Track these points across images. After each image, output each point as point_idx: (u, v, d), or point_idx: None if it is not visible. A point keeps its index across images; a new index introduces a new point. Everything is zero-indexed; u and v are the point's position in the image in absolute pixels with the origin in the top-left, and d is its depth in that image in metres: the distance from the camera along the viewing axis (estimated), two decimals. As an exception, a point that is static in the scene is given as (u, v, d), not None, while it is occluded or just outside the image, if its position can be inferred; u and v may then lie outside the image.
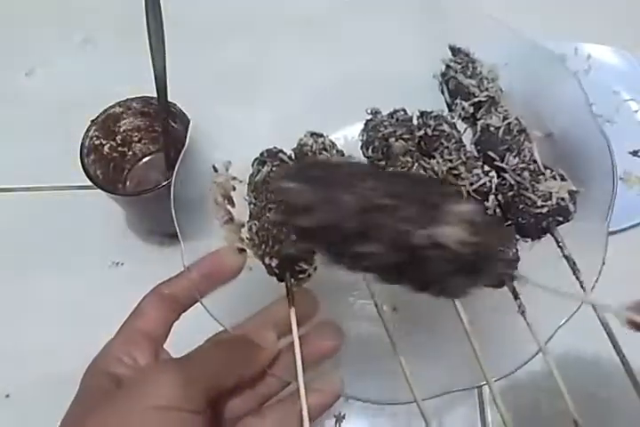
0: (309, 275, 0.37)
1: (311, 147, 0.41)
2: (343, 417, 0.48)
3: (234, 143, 0.42)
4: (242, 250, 0.37)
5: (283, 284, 0.37)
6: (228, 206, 0.41)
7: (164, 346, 0.36)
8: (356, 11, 0.49)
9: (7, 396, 0.51)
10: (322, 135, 0.43)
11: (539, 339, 0.34)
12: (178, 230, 0.37)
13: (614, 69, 0.62)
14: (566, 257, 0.36)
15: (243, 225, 0.40)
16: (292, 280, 0.36)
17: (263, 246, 0.37)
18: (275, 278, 0.37)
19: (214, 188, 0.42)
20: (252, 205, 0.39)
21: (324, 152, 0.41)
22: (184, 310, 0.36)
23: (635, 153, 0.58)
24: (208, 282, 0.36)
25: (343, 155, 0.42)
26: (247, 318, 0.36)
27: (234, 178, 0.43)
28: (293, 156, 0.42)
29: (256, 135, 0.41)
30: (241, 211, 0.42)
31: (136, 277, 0.55)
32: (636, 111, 0.61)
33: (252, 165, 0.41)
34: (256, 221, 0.38)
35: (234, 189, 0.42)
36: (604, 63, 0.62)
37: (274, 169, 0.39)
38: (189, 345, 0.35)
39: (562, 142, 0.42)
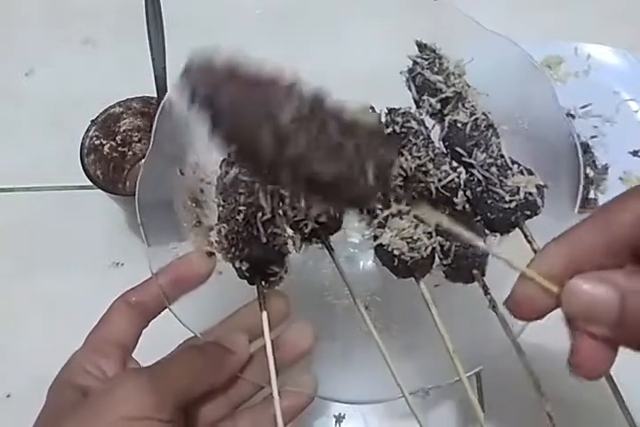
0: (281, 277, 0.37)
1: None
2: (343, 417, 0.48)
3: (202, 144, 0.41)
4: (211, 254, 0.36)
5: (254, 287, 0.37)
6: (197, 209, 0.41)
7: (133, 354, 0.35)
8: (328, 7, 0.49)
9: (7, 396, 0.51)
10: None
11: (511, 333, 0.34)
12: (144, 235, 0.37)
13: (614, 69, 0.62)
14: (535, 251, 0.36)
15: (211, 228, 0.39)
16: (264, 283, 0.36)
17: (233, 249, 0.36)
18: (245, 282, 0.37)
19: (181, 191, 0.41)
20: (220, 208, 0.39)
21: None
22: (153, 317, 0.36)
23: (635, 153, 0.58)
24: (177, 288, 0.35)
25: None
26: (218, 323, 0.36)
27: (201, 180, 0.42)
28: None
29: None
30: (210, 214, 0.41)
31: (136, 277, 0.55)
32: (636, 111, 0.61)
33: (220, 167, 0.41)
34: (225, 224, 0.37)
35: (201, 191, 0.42)
36: (603, 63, 0.62)
37: (242, 171, 0.38)
38: (158, 352, 0.35)
39: (530, 136, 0.42)
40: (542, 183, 0.37)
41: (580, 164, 0.39)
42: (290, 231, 0.38)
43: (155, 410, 0.29)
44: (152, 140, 0.40)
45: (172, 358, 0.33)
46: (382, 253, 0.37)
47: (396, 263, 0.36)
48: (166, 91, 0.51)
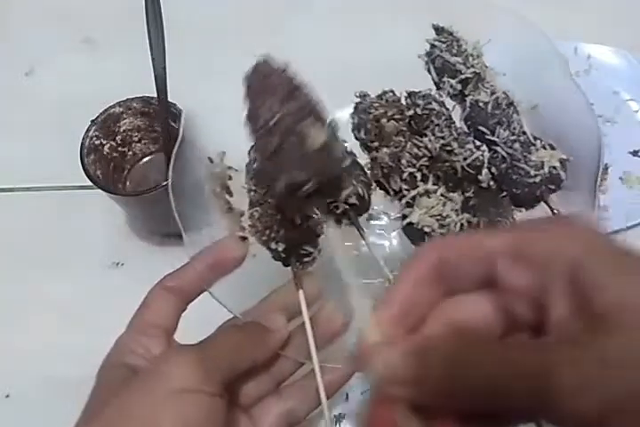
0: (314, 258, 0.37)
1: None
2: (343, 417, 0.48)
3: (227, 133, 0.42)
4: (244, 238, 0.37)
5: (288, 268, 0.37)
6: (227, 196, 0.42)
7: (175, 337, 0.36)
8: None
9: (7, 396, 0.51)
10: None
11: None
12: (179, 222, 0.38)
13: (614, 69, 0.62)
14: None
15: (242, 214, 0.40)
16: (298, 264, 0.37)
17: (267, 232, 0.37)
18: (279, 263, 0.38)
19: (211, 179, 0.42)
20: (251, 193, 0.40)
21: None
22: (191, 301, 0.37)
23: (635, 153, 0.58)
24: (213, 272, 0.36)
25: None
26: (255, 304, 0.37)
27: (229, 167, 0.43)
28: None
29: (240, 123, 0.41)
30: (239, 200, 0.42)
31: (136, 277, 0.55)
32: (636, 111, 0.61)
33: (249, 153, 0.41)
34: (258, 208, 0.38)
35: (230, 178, 0.42)
36: (603, 63, 0.62)
37: None
38: (199, 334, 0.35)
39: (547, 113, 0.42)
40: (565, 157, 0.38)
41: (601, 135, 0.39)
42: (319, 213, 0.39)
43: (203, 383, 0.30)
44: (180, 128, 0.41)
45: (215, 336, 0.34)
46: (412, 231, 0.38)
47: (427, 240, 0.37)
48: (166, 91, 0.51)
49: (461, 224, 0.38)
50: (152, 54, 0.50)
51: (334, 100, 0.47)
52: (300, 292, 0.36)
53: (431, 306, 0.24)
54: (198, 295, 0.37)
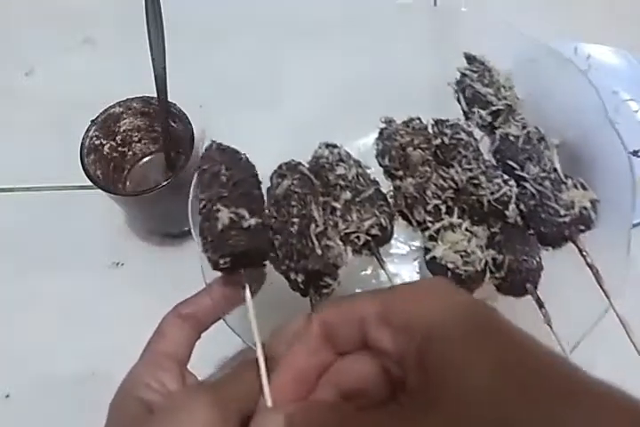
0: (333, 289, 0.36)
1: (327, 158, 0.41)
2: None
3: (229, 135, 0.41)
4: (263, 266, 0.36)
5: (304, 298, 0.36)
6: None
7: (188, 366, 0.35)
8: (368, 20, 0.49)
9: (7, 396, 0.51)
10: (336, 146, 0.42)
11: (565, 349, 0.34)
12: (199, 244, 0.37)
13: (614, 69, 0.62)
14: (590, 266, 0.36)
15: None
16: (316, 295, 0.36)
17: (287, 261, 0.36)
18: (296, 293, 0.37)
19: None
20: (272, 220, 0.38)
21: (340, 163, 0.40)
22: (205, 329, 0.36)
23: (635, 153, 0.58)
24: (228, 301, 0.36)
25: (360, 165, 0.41)
26: (270, 335, 0.35)
27: None
28: (308, 168, 0.41)
29: (260, 147, 0.41)
30: None
31: (136, 277, 0.55)
32: (636, 111, 0.61)
33: (271, 179, 0.41)
34: (278, 236, 0.37)
35: None
36: (603, 63, 0.62)
37: (294, 182, 0.38)
38: (210, 363, 0.35)
39: (577, 148, 0.42)
40: (597, 198, 0.37)
41: (634, 178, 0.39)
42: (340, 243, 0.38)
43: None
44: (204, 145, 0.41)
45: (231, 374, 0.33)
46: (435, 266, 0.37)
47: (449, 277, 0.36)
48: (166, 91, 0.51)
49: (486, 261, 0.37)
50: (152, 54, 0.50)
51: (357, 125, 0.47)
52: None
53: (326, 368, 0.26)
54: (213, 324, 0.36)
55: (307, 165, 0.41)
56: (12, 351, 0.53)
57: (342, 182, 0.39)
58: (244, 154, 0.39)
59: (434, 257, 0.37)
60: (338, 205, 0.38)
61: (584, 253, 0.36)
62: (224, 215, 0.34)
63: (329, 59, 0.49)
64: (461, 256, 0.36)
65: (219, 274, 0.36)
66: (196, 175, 0.38)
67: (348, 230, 0.38)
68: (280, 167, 0.40)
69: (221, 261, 0.34)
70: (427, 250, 0.38)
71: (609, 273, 0.35)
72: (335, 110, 0.48)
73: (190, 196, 0.40)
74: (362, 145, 0.47)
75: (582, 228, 0.37)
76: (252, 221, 0.34)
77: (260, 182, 0.38)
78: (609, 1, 0.68)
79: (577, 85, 0.42)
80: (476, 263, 0.36)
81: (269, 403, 0.28)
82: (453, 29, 0.46)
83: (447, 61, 0.43)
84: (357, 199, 0.39)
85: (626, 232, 0.38)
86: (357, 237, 0.38)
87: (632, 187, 0.39)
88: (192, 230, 0.38)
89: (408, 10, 0.48)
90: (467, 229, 0.38)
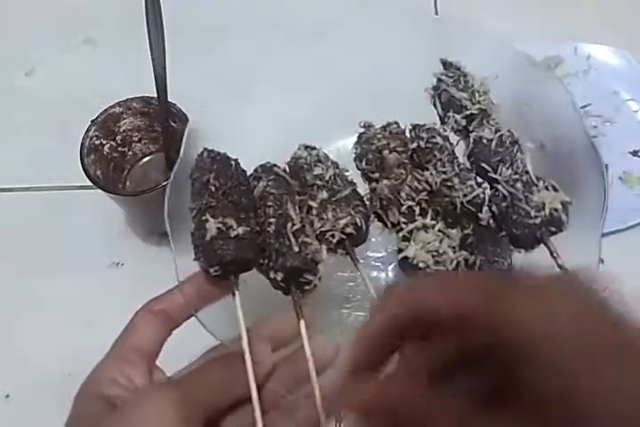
0: (315, 286, 0.37)
1: (305, 159, 0.41)
2: (343, 417, 0.48)
3: (227, 134, 0.43)
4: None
5: (279, 295, 0.37)
6: None
7: (157, 362, 0.35)
8: (354, 24, 0.50)
9: (7, 396, 0.51)
10: (315, 148, 0.43)
11: None
12: (172, 245, 0.38)
13: (614, 69, 0.62)
14: (560, 267, 0.36)
15: None
16: (298, 292, 0.36)
17: (266, 261, 0.36)
18: (270, 289, 0.37)
19: None
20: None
21: (318, 164, 0.41)
22: (177, 326, 0.36)
23: (635, 153, 0.58)
24: (203, 297, 0.36)
25: (337, 167, 0.42)
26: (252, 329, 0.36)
27: None
28: (288, 169, 0.42)
29: (245, 148, 0.42)
30: None
31: (136, 277, 0.55)
32: (636, 111, 0.61)
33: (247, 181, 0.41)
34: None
35: None
36: (603, 63, 0.62)
37: (270, 183, 0.39)
38: (181, 359, 0.35)
39: (553, 153, 0.42)
40: (568, 200, 0.37)
41: (606, 180, 0.39)
42: (316, 242, 0.38)
43: (184, 425, 0.29)
44: (182, 150, 0.42)
45: (197, 372, 0.33)
46: (407, 265, 0.37)
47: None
48: (166, 91, 0.51)
49: (457, 262, 0.37)
50: (152, 54, 0.50)
51: (339, 128, 0.47)
52: (302, 322, 0.35)
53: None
54: (185, 320, 0.36)
55: (282, 167, 0.42)
56: (12, 351, 0.53)
57: (319, 182, 0.40)
58: (236, 159, 0.40)
59: (406, 257, 0.37)
60: (314, 204, 0.39)
61: (555, 255, 0.36)
62: (212, 226, 0.35)
63: (321, 61, 0.49)
64: (433, 256, 0.36)
65: (191, 272, 0.36)
66: (190, 183, 0.40)
67: (323, 228, 0.38)
68: (256, 170, 0.41)
69: (211, 270, 0.35)
70: (400, 250, 0.38)
71: None
72: (326, 112, 0.49)
73: (166, 196, 0.40)
74: (341, 147, 0.48)
75: (553, 229, 0.37)
76: (240, 231, 0.35)
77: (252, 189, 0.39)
78: (609, 1, 0.68)
79: (555, 94, 0.43)
80: (447, 263, 0.36)
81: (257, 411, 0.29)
82: (442, 37, 0.47)
83: (433, 68, 0.44)
84: (334, 199, 0.39)
85: (597, 236, 0.38)
86: (332, 235, 0.38)
87: (604, 191, 0.39)
88: (168, 230, 0.39)
89: (405, 16, 0.49)
90: (439, 231, 0.38)
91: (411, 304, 0.24)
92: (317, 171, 0.40)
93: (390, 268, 0.49)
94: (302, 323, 0.35)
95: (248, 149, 0.41)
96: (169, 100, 0.52)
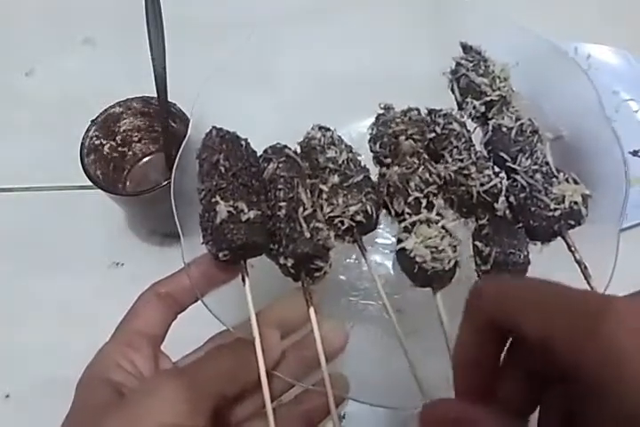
0: (325, 272, 0.36)
1: (319, 140, 0.40)
2: (343, 417, 0.48)
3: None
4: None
5: (287, 280, 0.36)
6: None
7: (162, 347, 0.35)
8: (365, 4, 0.49)
9: (7, 396, 0.51)
10: (329, 129, 0.42)
11: None
12: (178, 226, 0.37)
13: (614, 69, 0.62)
14: (578, 262, 0.35)
15: None
16: (308, 279, 0.36)
17: (276, 246, 0.35)
18: (278, 274, 0.36)
19: None
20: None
21: (332, 146, 0.40)
22: (182, 310, 0.35)
23: (635, 153, 0.58)
24: (209, 281, 0.35)
25: (351, 151, 0.41)
26: (249, 318, 0.35)
27: None
28: (299, 149, 0.41)
29: (255, 130, 0.40)
30: None
31: (136, 277, 0.55)
32: (636, 111, 0.61)
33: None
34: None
35: None
36: (603, 63, 0.62)
37: (280, 166, 0.37)
38: (185, 344, 0.35)
39: (571, 144, 0.41)
40: (588, 193, 0.36)
41: (627, 176, 0.39)
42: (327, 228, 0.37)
43: (192, 416, 0.29)
44: (188, 133, 0.40)
45: (206, 359, 0.32)
46: (404, 257, 0.37)
47: (415, 270, 0.36)
48: (166, 91, 0.51)
49: (455, 262, 0.36)
50: (152, 54, 0.50)
51: (351, 112, 0.47)
52: (312, 309, 0.34)
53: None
54: (190, 305, 0.35)
55: (294, 148, 0.40)
56: (12, 351, 0.53)
57: (332, 166, 0.39)
58: (246, 139, 0.39)
59: (404, 248, 0.36)
60: (325, 188, 0.38)
61: (572, 249, 0.35)
62: (222, 209, 0.34)
63: (328, 44, 0.48)
64: (431, 252, 0.35)
65: (198, 254, 0.36)
66: (197, 163, 0.38)
67: (332, 214, 0.37)
68: (265, 151, 0.39)
69: (220, 254, 0.34)
70: (399, 241, 0.37)
71: (597, 270, 0.35)
72: (331, 95, 0.48)
73: (172, 180, 0.39)
74: (353, 131, 0.47)
75: (572, 223, 0.36)
76: (251, 214, 0.34)
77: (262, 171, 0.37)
78: (609, 1, 0.68)
79: (576, 83, 0.42)
80: (444, 262, 0.35)
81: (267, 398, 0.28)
82: (457, 20, 0.46)
83: (448, 52, 0.42)
84: (345, 184, 0.38)
85: (615, 230, 0.38)
86: (341, 222, 0.37)
87: (625, 185, 0.38)
88: (174, 211, 0.38)
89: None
90: (443, 227, 0.37)
91: (494, 312, 0.23)
92: (330, 153, 0.39)
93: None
94: (312, 310, 0.34)
95: (257, 131, 0.40)
96: (169, 100, 0.52)
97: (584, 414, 0.21)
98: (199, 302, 0.35)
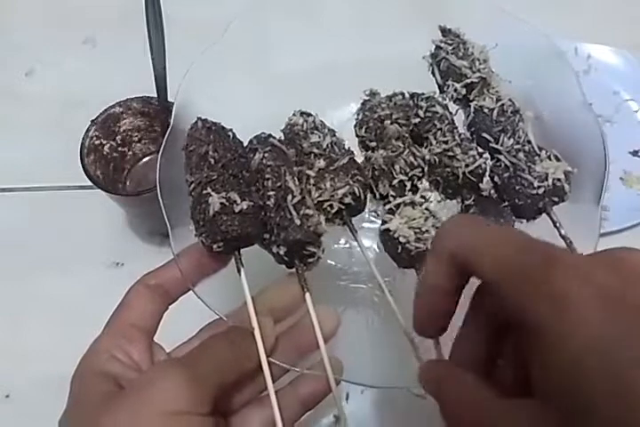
0: (319, 258, 0.36)
1: (302, 126, 0.40)
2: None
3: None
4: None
5: (278, 267, 0.36)
6: None
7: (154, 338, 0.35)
8: None
9: (7, 396, 0.51)
10: (310, 114, 0.42)
11: None
12: (165, 216, 0.37)
13: (614, 69, 0.62)
14: (563, 237, 0.36)
15: None
16: (302, 265, 0.36)
17: (267, 235, 0.36)
18: (269, 261, 0.36)
19: None
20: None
21: (315, 131, 0.40)
22: (173, 301, 0.35)
23: (635, 153, 0.58)
24: (199, 271, 0.35)
25: (334, 134, 0.41)
26: (241, 305, 0.35)
27: None
28: (283, 136, 0.41)
29: (235, 118, 0.40)
30: None
31: (136, 277, 0.55)
32: (636, 111, 0.61)
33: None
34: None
35: None
36: (604, 63, 0.62)
37: (266, 155, 0.38)
38: (179, 334, 0.35)
39: (551, 123, 0.42)
40: (570, 169, 0.37)
41: (606, 150, 0.39)
42: (317, 214, 0.37)
43: (193, 404, 0.29)
44: (171, 124, 0.41)
45: (203, 349, 0.32)
46: (387, 238, 0.37)
47: (399, 251, 0.36)
48: (166, 91, 0.51)
49: None
50: (152, 54, 0.50)
51: (333, 98, 0.47)
52: (307, 295, 0.34)
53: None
54: (182, 295, 0.35)
55: (278, 137, 0.40)
56: (12, 351, 0.53)
57: (316, 150, 0.39)
58: (231, 130, 0.39)
59: (388, 229, 0.37)
60: (312, 173, 0.38)
61: (557, 225, 0.36)
62: (215, 200, 0.34)
63: (315, 31, 0.48)
64: (415, 233, 0.36)
65: (187, 245, 0.36)
66: (183, 154, 0.38)
67: (320, 198, 0.37)
68: (250, 141, 0.40)
69: (215, 246, 0.34)
70: (384, 222, 0.38)
71: (581, 245, 0.35)
72: (313, 82, 0.48)
73: (157, 169, 0.39)
74: (334, 118, 0.47)
75: (556, 199, 0.37)
76: (244, 205, 0.35)
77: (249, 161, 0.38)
78: (609, 1, 0.68)
79: (556, 69, 0.43)
80: (428, 242, 0.36)
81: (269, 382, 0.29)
82: (444, 7, 0.46)
83: (430, 37, 0.43)
84: (331, 168, 0.38)
85: (597, 206, 0.38)
86: (330, 206, 0.37)
87: (604, 162, 0.39)
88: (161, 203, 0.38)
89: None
90: (427, 209, 0.38)
91: (454, 249, 0.25)
92: (314, 138, 0.39)
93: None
94: (308, 296, 0.34)
95: (237, 120, 0.40)
96: (169, 100, 0.52)
97: (532, 363, 0.22)
98: (188, 292, 0.36)
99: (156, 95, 0.51)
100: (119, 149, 0.56)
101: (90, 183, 0.50)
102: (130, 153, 0.57)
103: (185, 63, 0.54)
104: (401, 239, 0.36)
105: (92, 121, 0.53)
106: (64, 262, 0.57)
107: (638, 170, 0.57)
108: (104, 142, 0.54)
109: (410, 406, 0.35)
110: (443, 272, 0.25)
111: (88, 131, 0.52)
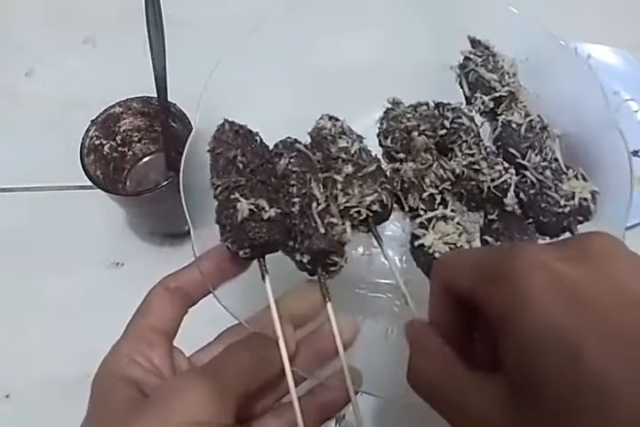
0: (341, 267, 0.36)
1: (329, 130, 0.40)
2: (343, 417, 0.48)
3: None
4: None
5: (293, 272, 0.36)
6: None
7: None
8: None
9: (7, 396, 0.51)
10: (338, 119, 0.41)
11: None
12: (188, 218, 0.36)
13: (614, 69, 0.62)
14: None
15: None
16: (324, 273, 0.35)
17: (291, 243, 0.35)
18: (291, 267, 0.36)
19: None
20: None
21: (343, 136, 0.39)
22: (194, 304, 0.35)
23: (635, 153, 0.58)
24: (219, 274, 0.35)
25: (362, 141, 0.40)
26: (261, 311, 0.35)
27: None
28: (310, 139, 0.40)
29: (263, 124, 0.39)
30: None
31: (136, 277, 0.55)
32: (636, 111, 0.61)
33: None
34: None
35: None
36: (604, 63, 0.62)
37: (292, 161, 0.37)
38: (196, 339, 0.34)
39: (576, 141, 0.41)
40: (597, 189, 0.37)
41: (632, 172, 0.39)
42: (341, 222, 0.37)
43: (218, 415, 0.29)
44: (196, 123, 0.40)
45: (225, 357, 0.32)
46: (421, 253, 0.37)
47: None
48: (166, 91, 0.51)
49: None
50: (152, 54, 0.50)
51: (356, 105, 0.46)
52: (329, 304, 0.34)
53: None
54: (201, 298, 0.35)
55: (304, 142, 0.40)
56: (12, 351, 0.53)
57: (344, 156, 0.38)
58: (257, 133, 0.38)
59: (422, 245, 0.37)
60: (339, 178, 0.38)
61: None
62: (244, 207, 0.34)
63: (335, 37, 0.48)
64: (450, 249, 0.36)
65: (208, 248, 0.35)
66: (209, 157, 0.37)
67: (348, 204, 0.37)
68: (276, 146, 0.39)
69: (241, 252, 0.34)
70: (415, 237, 0.38)
71: None
72: (336, 90, 0.47)
73: (181, 172, 0.38)
74: (358, 125, 0.45)
75: (581, 219, 0.37)
76: (272, 212, 0.34)
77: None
78: (609, 1, 0.68)
79: (582, 82, 0.42)
80: None
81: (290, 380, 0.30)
82: (462, 13, 0.46)
83: (451, 46, 0.43)
84: (359, 174, 0.38)
85: (621, 227, 0.38)
86: (357, 212, 0.37)
87: (630, 182, 0.39)
88: (183, 202, 0.37)
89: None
90: (458, 223, 0.37)
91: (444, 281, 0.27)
92: (342, 143, 0.39)
93: (404, 250, 0.47)
94: (329, 305, 0.34)
95: (260, 122, 0.40)
96: (169, 100, 0.52)
97: (497, 340, 0.23)
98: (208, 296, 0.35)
99: (156, 95, 0.51)
100: (119, 149, 0.56)
101: (90, 183, 0.50)
102: (130, 153, 0.57)
103: (185, 63, 0.54)
104: (437, 255, 0.36)
105: (92, 121, 0.52)
106: (64, 262, 0.57)
107: (638, 170, 0.57)
108: (104, 142, 0.54)
109: (409, 408, 0.34)
110: (444, 304, 0.27)
111: (88, 131, 0.52)
